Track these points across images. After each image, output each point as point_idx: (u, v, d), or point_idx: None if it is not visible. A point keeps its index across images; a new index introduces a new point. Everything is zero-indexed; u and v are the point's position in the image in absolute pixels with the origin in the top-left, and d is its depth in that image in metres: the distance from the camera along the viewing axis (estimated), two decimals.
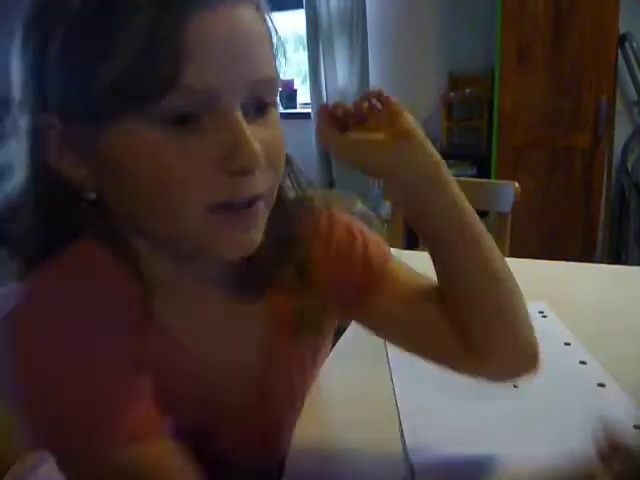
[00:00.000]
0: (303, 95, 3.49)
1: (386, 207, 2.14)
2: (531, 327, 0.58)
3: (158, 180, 0.43)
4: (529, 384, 0.69)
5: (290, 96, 3.43)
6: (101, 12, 0.41)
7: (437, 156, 0.53)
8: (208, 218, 0.45)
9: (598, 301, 1.02)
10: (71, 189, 0.47)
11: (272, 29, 0.49)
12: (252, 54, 0.45)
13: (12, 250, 0.50)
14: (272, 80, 0.47)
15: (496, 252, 0.56)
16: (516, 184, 1.79)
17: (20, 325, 0.47)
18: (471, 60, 2.96)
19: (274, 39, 0.49)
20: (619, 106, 2.65)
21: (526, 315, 0.57)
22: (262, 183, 0.46)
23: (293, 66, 3.64)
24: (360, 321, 0.63)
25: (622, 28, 2.46)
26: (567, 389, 0.73)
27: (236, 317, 0.57)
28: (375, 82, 3.17)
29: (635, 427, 0.64)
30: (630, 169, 2.72)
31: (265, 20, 0.48)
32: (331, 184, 3.33)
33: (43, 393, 0.45)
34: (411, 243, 2.57)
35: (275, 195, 0.50)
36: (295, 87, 3.47)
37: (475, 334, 0.55)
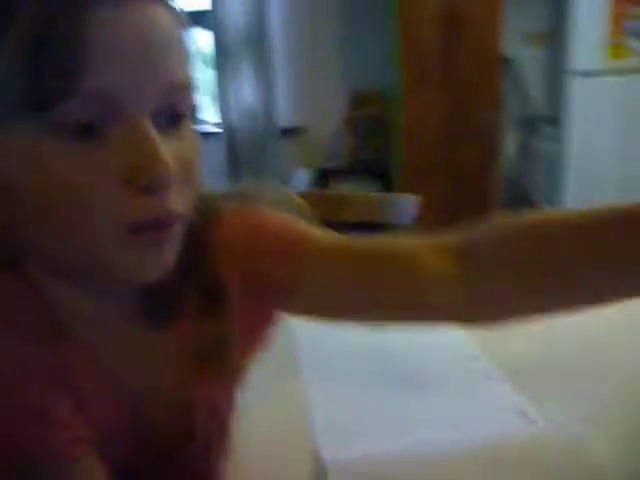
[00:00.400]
0: (211, 114, 3.47)
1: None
2: None
3: (53, 199, 0.38)
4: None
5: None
6: None
7: None
8: (114, 240, 0.40)
9: None
10: None
11: (186, 34, 0.43)
12: (164, 57, 0.40)
13: None
14: (186, 87, 0.42)
15: None
16: (415, 197, 1.88)
17: None
18: (373, 79, 3.07)
19: (188, 46, 0.44)
20: (508, 122, 2.85)
21: None
22: (176, 201, 0.41)
23: (200, 85, 3.62)
24: (304, 312, 0.56)
25: (509, 52, 2.67)
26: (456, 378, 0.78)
27: (152, 344, 0.50)
28: (282, 102, 3.21)
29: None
30: (520, 180, 2.93)
31: (179, 24, 0.42)
32: None
33: None
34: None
35: (188, 214, 0.44)
36: (198, 105, 3.45)
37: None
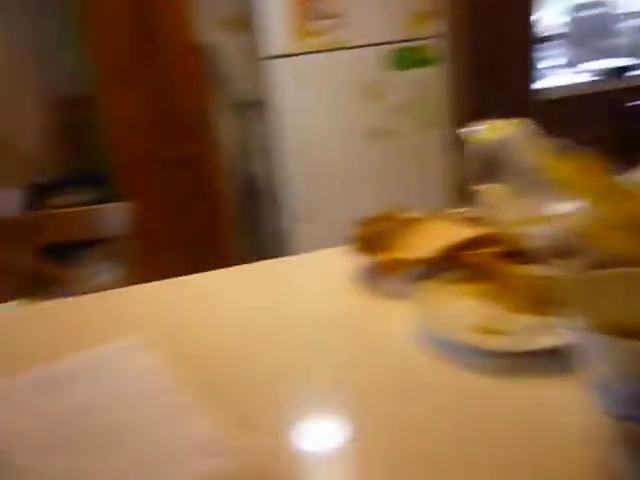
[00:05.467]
0: None
1: None
2: None
3: None
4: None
5: None
6: None
7: None
8: None
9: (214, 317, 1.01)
10: None
11: None
12: None
13: None
14: None
15: None
16: (125, 205, 1.75)
17: None
18: (72, 83, 2.81)
19: None
20: (221, 108, 2.84)
21: None
22: None
23: None
24: None
25: (206, 37, 2.63)
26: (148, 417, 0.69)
27: None
28: None
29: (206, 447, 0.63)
30: (243, 166, 2.96)
31: None
32: None
33: None
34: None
35: None
36: None
37: None
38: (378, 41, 2.68)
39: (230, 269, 1.23)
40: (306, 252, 1.25)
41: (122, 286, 1.36)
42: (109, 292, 1.21)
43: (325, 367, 0.81)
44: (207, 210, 2.69)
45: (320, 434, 0.69)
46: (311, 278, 1.13)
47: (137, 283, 1.84)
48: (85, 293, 1.69)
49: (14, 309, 1.76)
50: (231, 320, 0.99)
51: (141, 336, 0.92)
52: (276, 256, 1.30)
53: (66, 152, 2.86)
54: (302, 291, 1.09)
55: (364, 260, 1.05)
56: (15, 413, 0.76)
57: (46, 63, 2.82)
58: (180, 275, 1.31)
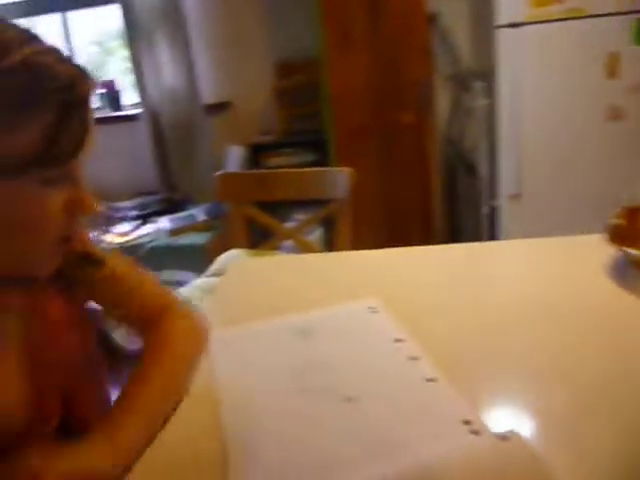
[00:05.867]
0: (131, 96, 3.28)
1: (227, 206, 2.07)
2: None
3: (25, 222, 0.59)
4: (362, 392, 0.66)
5: (113, 98, 3.20)
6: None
7: None
8: (48, 249, 0.61)
9: (436, 289, 1.02)
10: None
11: None
12: None
13: None
14: None
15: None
16: (348, 170, 1.81)
17: None
18: (299, 47, 2.96)
19: None
20: (439, 81, 2.79)
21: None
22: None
23: (119, 65, 3.42)
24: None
25: (433, 7, 2.58)
26: (394, 386, 0.71)
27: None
28: (204, 79, 3.06)
29: (464, 422, 0.64)
30: (455, 139, 2.89)
31: None
32: (171, 185, 3.18)
33: None
34: (260, 240, 2.53)
35: None
36: (118, 87, 3.25)
37: None
38: (620, 10, 2.41)
39: (471, 245, 1.23)
40: (514, 233, 1.20)
41: (330, 247, 1.43)
42: (345, 253, 1.28)
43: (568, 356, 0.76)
44: (417, 181, 2.69)
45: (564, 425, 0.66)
46: (563, 264, 1.07)
47: (344, 246, 1.92)
48: (301, 250, 1.80)
49: (240, 257, 1.94)
50: (478, 297, 0.97)
51: (376, 299, 0.95)
52: (483, 235, 1.27)
53: (287, 115, 3.02)
54: (556, 276, 1.03)
55: (616, 252, 0.97)
56: (270, 353, 0.83)
57: (276, 27, 2.98)
58: (385, 243, 1.34)
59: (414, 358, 0.77)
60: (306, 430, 0.65)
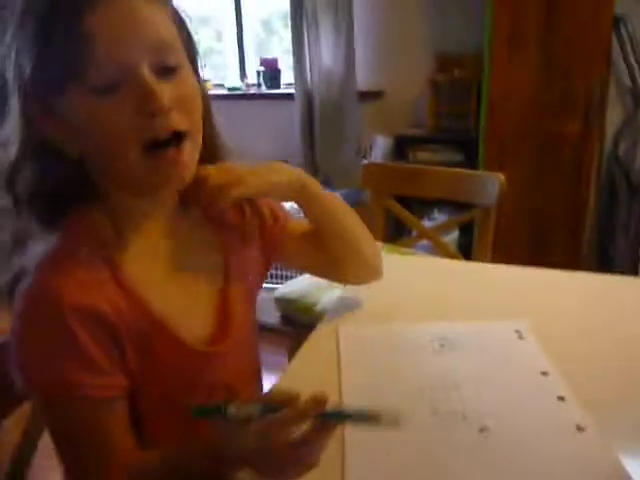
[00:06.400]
0: (288, 75, 3.36)
1: (367, 194, 2.06)
2: (374, 248, 0.95)
3: (99, 131, 0.60)
4: (499, 425, 0.61)
5: (273, 76, 3.29)
6: (33, 20, 0.58)
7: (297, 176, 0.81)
8: (145, 157, 0.61)
9: (584, 317, 0.94)
10: (56, 148, 0.63)
11: (176, 11, 0.65)
12: (148, 25, 0.60)
13: (23, 207, 0.64)
14: (170, 44, 0.63)
15: (348, 213, 0.90)
16: (501, 176, 1.71)
17: (22, 298, 0.63)
18: (460, 41, 2.85)
19: (178, 20, 0.65)
20: (611, 92, 2.55)
21: (367, 242, 0.92)
22: (179, 121, 0.62)
23: (280, 44, 3.51)
24: (278, 259, 0.90)
25: (617, 9, 2.36)
26: (540, 430, 0.65)
27: (194, 245, 0.74)
28: (361, 63, 3.05)
29: None
30: (621, 157, 2.64)
31: (165, 2, 0.64)
32: (314, 166, 3.22)
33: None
34: (392, 233, 2.49)
35: (200, 139, 0.67)
36: (280, 67, 3.34)
37: (336, 255, 0.88)
38: None
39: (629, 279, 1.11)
40: None
41: (465, 252, 1.36)
42: (489, 265, 1.21)
43: None
44: (571, 199, 2.50)
45: None
46: None
47: (484, 255, 1.83)
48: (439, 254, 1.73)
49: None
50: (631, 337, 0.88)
51: (523, 321, 0.88)
52: (637, 268, 1.14)
53: (440, 110, 2.93)
54: None
55: None
56: (404, 359, 0.80)
57: (440, 18, 2.89)
58: (525, 260, 1.24)
59: (561, 398, 0.70)
60: (429, 454, 0.61)
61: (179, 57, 0.64)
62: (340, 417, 0.54)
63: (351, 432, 0.64)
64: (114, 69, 0.58)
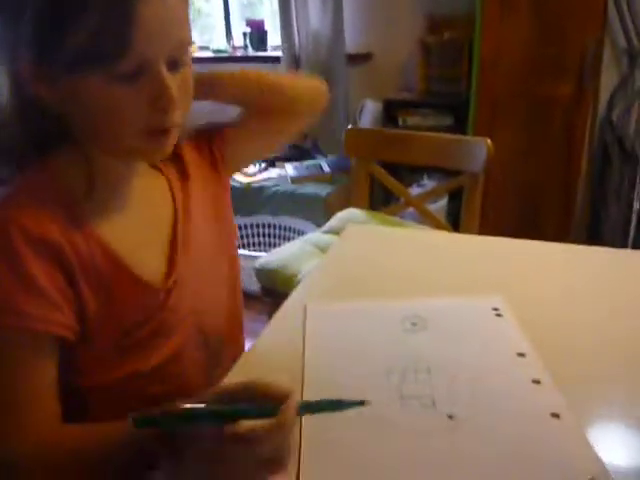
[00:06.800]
0: (275, 37, 3.25)
1: (353, 161, 2.00)
2: (296, 80, 0.99)
3: (107, 113, 0.63)
4: (470, 411, 0.57)
5: (260, 38, 3.19)
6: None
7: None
8: (140, 137, 0.65)
9: (567, 292, 0.89)
10: (43, 105, 0.64)
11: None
12: (175, 23, 0.63)
13: (4, 155, 0.68)
14: (187, 42, 0.67)
15: (254, 74, 0.89)
16: (488, 141, 1.65)
17: None
18: (451, 1, 2.74)
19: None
20: (606, 54, 2.47)
21: (289, 81, 0.96)
22: (179, 117, 0.67)
23: (269, 6, 3.39)
24: (229, 154, 0.90)
25: None
26: (513, 417, 0.61)
27: (154, 188, 0.79)
28: (349, 25, 2.94)
29: None
30: (615, 122, 2.57)
31: None
32: (301, 133, 3.15)
33: None
34: (383, 201, 2.43)
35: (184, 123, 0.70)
36: (266, 29, 3.23)
37: (274, 112, 0.90)
38: None
39: (621, 251, 1.07)
40: None
41: (453, 221, 1.32)
42: (474, 237, 1.17)
43: None
44: (562, 165, 2.44)
45: None
46: None
47: (472, 224, 1.78)
48: (425, 222, 1.69)
49: (359, 216, 1.86)
50: (616, 313, 0.84)
51: (501, 298, 0.84)
52: (628, 237, 1.10)
53: (430, 73, 2.85)
54: None
55: None
56: (371, 339, 0.76)
57: None
58: (514, 229, 1.20)
59: (536, 381, 0.66)
60: (393, 441, 0.58)
61: (189, 54, 0.67)
62: (303, 411, 0.51)
63: (308, 418, 0.60)
64: (139, 60, 0.60)
